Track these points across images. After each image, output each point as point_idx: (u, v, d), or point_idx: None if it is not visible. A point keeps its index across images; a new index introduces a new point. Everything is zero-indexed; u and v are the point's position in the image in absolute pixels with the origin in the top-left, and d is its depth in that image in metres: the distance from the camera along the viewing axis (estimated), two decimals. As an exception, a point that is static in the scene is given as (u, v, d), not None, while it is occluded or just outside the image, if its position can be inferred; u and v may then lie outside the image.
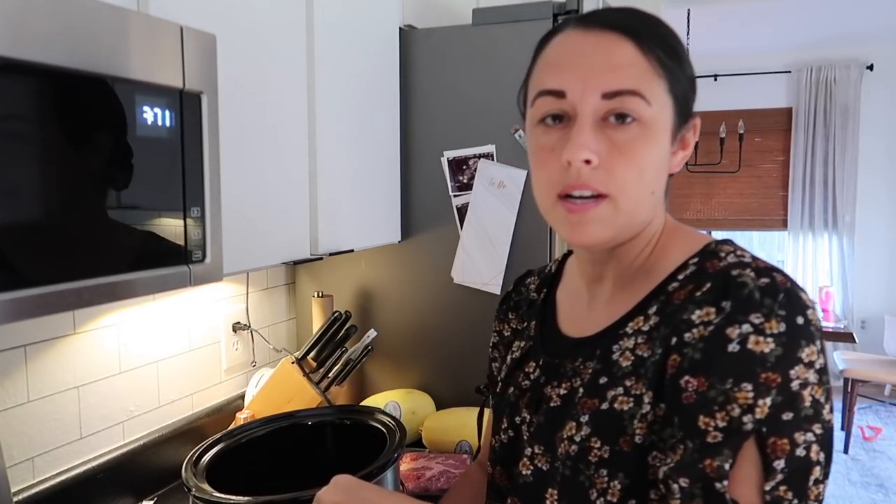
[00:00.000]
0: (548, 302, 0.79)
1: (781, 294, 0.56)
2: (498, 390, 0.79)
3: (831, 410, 0.57)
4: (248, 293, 1.55)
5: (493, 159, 1.47)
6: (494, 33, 1.44)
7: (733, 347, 0.55)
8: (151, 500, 1.24)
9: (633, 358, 0.62)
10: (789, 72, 4.87)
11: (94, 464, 1.16)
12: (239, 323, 1.52)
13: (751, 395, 0.54)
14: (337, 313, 1.42)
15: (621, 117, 0.60)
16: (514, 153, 1.44)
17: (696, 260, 0.64)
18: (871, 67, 4.71)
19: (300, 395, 1.36)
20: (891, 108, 4.73)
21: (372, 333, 1.45)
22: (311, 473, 1.15)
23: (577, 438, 0.62)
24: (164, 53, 0.76)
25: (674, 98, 0.62)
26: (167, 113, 0.77)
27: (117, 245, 0.73)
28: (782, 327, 0.54)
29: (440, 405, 1.56)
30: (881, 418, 4.35)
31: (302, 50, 1.18)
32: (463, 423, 1.45)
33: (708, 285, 0.59)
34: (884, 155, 4.77)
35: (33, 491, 1.06)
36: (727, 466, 0.54)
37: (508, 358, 0.80)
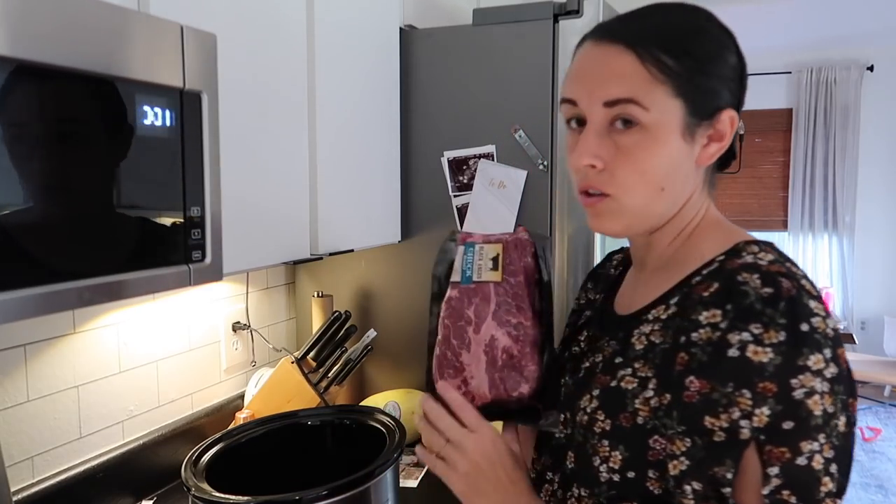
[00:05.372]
0: (620, 279, 0.83)
1: (783, 303, 0.56)
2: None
3: (850, 423, 0.57)
4: (247, 293, 1.55)
5: (493, 159, 1.47)
6: (495, 33, 1.44)
7: (733, 353, 0.57)
8: (151, 499, 1.24)
9: (646, 343, 0.66)
10: (789, 72, 4.87)
11: (94, 463, 1.16)
12: (239, 322, 1.52)
13: (749, 402, 0.56)
14: (337, 313, 1.42)
15: (626, 122, 0.64)
16: (514, 153, 1.44)
17: (722, 257, 0.65)
18: (871, 68, 4.71)
19: (300, 394, 1.36)
20: (891, 109, 4.73)
21: (371, 333, 1.45)
22: (310, 473, 1.15)
23: (588, 410, 0.68)
24: (165, 53, 0.76)
25: (684, 98, 0.64)
26: (167, 112, 0.77)
27: (117, 244, 0.73)
28: (782, 336, 0.55)
29: (440, 405, 1.56)
30: (881, 419, 4.35)
31: (302, 50, 1.18)
32: (462, 424, 1.45)
33: (716, 286, 0.61)
34: (884, 156, 4.77)
35: (33, 490, 1.06)
36: (730, 476, 0.57)
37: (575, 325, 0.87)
